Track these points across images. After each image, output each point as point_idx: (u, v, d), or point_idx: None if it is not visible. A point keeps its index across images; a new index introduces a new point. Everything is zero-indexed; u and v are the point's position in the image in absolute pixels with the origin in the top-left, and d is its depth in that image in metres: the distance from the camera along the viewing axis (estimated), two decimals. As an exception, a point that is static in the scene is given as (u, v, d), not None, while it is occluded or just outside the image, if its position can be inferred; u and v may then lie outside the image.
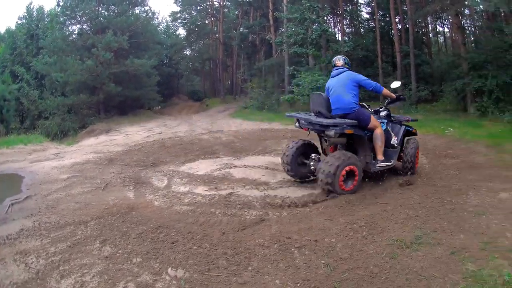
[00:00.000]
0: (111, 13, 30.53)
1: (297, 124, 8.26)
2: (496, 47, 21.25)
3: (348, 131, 7.45)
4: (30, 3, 42.36)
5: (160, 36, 42.85)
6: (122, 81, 29.21)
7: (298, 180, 8.57)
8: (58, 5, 29.80)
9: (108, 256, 5.16)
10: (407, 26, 30.23)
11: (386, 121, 8.51)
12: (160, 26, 44.78)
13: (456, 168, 9.73)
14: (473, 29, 30.34)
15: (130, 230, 5.94)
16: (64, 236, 5.87)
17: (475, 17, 30.15)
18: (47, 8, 41.58)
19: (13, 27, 38.51)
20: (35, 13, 37.34)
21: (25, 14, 37.38)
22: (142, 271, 4.74)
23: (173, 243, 5.49)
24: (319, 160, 8.01)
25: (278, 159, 9.88)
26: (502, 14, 25.42)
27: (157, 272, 4.71)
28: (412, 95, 25.81)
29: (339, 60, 8.25)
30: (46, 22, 36.76)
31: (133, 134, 18.68)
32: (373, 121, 7.77)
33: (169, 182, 9.15)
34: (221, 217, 6.48)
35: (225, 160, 11.40)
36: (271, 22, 35.47)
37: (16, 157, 13.80)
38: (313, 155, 8.11)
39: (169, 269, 4.75)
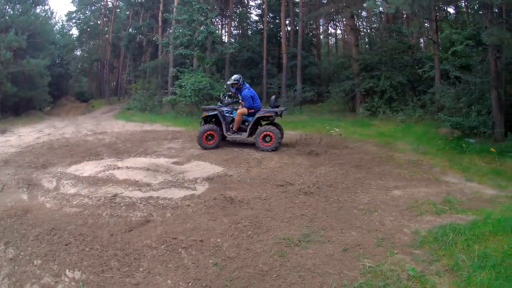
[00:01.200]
0: (16, 12, 29.35)
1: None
2: (393, 48, 22.63)
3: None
4: None
5: (55, 36, 41.63)
6: (18, 81, 28.26)
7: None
8: None
9: (12, 258, 5.46)
10: (297, 28, 31.13)
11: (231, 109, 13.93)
12: (56, 26, 43.35)
13: (342, 167, 10.59)
14: (368, 30, 31.47)
15: (28, 232, 6.31)
16: (-37, 240, 6.08)
17: (373, 19, 31.36)
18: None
19: None
20: None
21: None
22: (43, 273, 5.09)
23: (67, 245, 5.86)
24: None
25: (159, 160, 11.60)
26: (404, 16, 26.62)
27: (56, 274, 5.07)
28: (297, 96, 26.55)
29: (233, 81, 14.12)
30: None
31: (25, 135, 18.40)
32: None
33: (58, 184, 9.46)
34: (108, 218, 6.97)
35: (109, 161, 11.90)
36: (160, 23, 35.79)
37: None
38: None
39: (67, 271, 5.12)
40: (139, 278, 4.88)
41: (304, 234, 6.03)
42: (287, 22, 33.70)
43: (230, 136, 13.98)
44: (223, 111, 13.87)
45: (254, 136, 13.66)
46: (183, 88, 22.81)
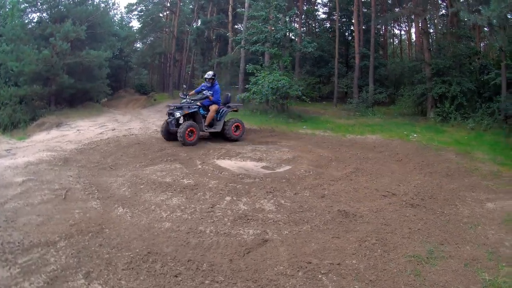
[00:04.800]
0: (71, 1, 29.16)
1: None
2: (460, 53, 21.72)
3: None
4: (-8, -10, 40.65)
5: (115, 27, 41.74)
6: (75, 72, 27.96)
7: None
8: None
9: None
10: (363, 28, 30.60)
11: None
12: (115, 18, 43.45)
13: (433, 177, 10.19)
14: (435, 34, 30.54)
15: (115, 258, 5.26)
16: (35, 265, 5.07)
17: (435, 21, 30.42)
18: (8, -4, 39.77)
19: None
20: (-5, 0, 35.91)
21: (-14, 2, 35.92)
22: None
23: (177, 276, 4.95)
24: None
25: (247, 164, 10.98)
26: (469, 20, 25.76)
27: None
28: (369, 98, 25.75)
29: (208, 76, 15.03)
30: (7, 10, 35.41)
31: (85, 129, 17.63)
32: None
33: (135, 189, 8.46)
34: (215, 237, 6.03)
35: (193, 163, 10.88)
36: (230, 18, 35.01)
37: None
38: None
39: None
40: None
41: (429, 251, 5.86)
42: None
43: (207, 131, 14.82)
44: (196, 108, 14.51)
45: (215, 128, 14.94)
46: (259, 85, 21.87)
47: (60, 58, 25.89)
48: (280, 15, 24.02)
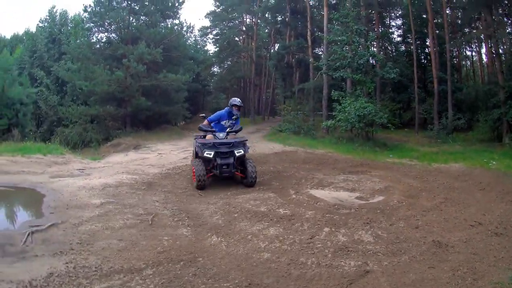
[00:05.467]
0: (142, 23, 29.74)
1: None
2: None
3: None
4: (53, 7, 41.84)
5: (192, 51, 42.32)
6: (151, 95, 28.28)
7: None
8: (85, 10, 28.69)
9: None
10: (435, 50, 29.94)
11: None
12: (189, 41, 44.03)
13: None
14: (504, 55, 29.78)
15: None
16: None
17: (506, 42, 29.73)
18: (71, 13, 40.96)
19: (33, 30, 38.36)
20: (58, 17, 37.31)
21: (47, 17, 37.33)
22: None
23: None
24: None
25: (341, 194, 10.41)
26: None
27: None
28: (449, 124, 25.36)
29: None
30: (69, 28, 36.39)
31: (166, 153, 17.63)
32: None
33: (229, 218, 8.10)
34: (316, 268, 5.70)
35: (287, 193, 10.40)
36: (309, 43, 34.58)
37: (33, 168, 12.22)
38: None
39: None
40: None
41: (510, 277, 5.58)
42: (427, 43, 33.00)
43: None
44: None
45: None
46: (346, 113, 21.56)
47: (135, 80, 26.29)
48: (362, 40, 23.92)
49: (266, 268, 5.63)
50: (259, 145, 22.17)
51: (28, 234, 6.31)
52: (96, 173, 11.93)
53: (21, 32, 42.71)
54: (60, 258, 5.60)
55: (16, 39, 43.61)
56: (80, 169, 12.68)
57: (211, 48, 53.97)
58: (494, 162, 15.65)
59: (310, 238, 6.87)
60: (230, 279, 5.17)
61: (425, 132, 26.82)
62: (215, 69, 55.54)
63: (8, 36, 44.72)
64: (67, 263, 5.42)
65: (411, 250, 6.57)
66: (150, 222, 7.50)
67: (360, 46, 23.87)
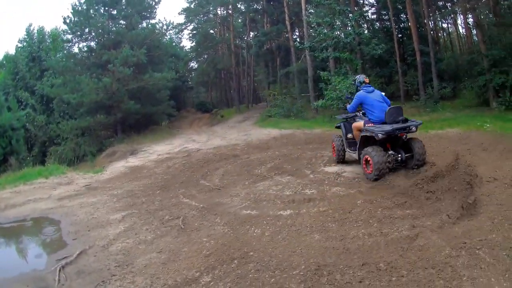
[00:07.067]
0: (123, 27, 29.57)
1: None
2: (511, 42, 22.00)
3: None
4: (30, 25, 41.39)
5: (174, 48, 42.28)
6: (137, 97, 28.17)
7: None
8: (64, 22, 28.29)
9: None
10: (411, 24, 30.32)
11: None
12: (165, 38, 43.97)
13: None
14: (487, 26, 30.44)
15: (284, 280, 4.88)
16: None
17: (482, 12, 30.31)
18: (48, 29, 40.63)
19: (12, 52, 37.91)
20: (35, 35, 36.60)
21: (25, 36, 36.66)
22: None
23: (361, 281, 4.67)
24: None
25: (356, 168, 10.36)
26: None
27: None
28: (435, 93, 25.95)
29: (367, 78, 10.65)
30: (48, 43, 36.04)
31: (164, 153, 17.58)
32: None
33: (258, 206, 8.06)
34: (369, 238, 5.87)
35: (296, 181, 10.04)
36: (288, 27, 35.08)
37: (38, 194, 11.28)
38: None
39: None
40: None
41: None
42: (402, 18, 33.74)
43: (347, 153, 11.25)
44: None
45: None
46: (337, 91, 21.93)
47: (122, 84, 26.15)
48: (347, 20, 24.28)
49: (322, 248, 5.63)
50: (254, 131, 22.46)
51: (59, 270, 5.79)
52: (103, 186, 11.83)
53: (0, 57, 41.98)
54: (104, 289, 5.22)
55: (-4, 64, 43.15)
56: (86, 185, 12.29)
57: (187, 44, 53.69)
58: (488, 125, 16.03)
59: (349, 212, 6.96)
60: (296, 266, 5.10)
61: (411, 103, 27.20)
62: (193, 64, 55.56)
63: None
64: (114, 292, 5.05)
65: (446, 208, 6.82)
66: (182, 226, 7.30)
67: (347, 27, 24.49)
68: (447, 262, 4.84)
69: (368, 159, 9.39)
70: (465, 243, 5.24)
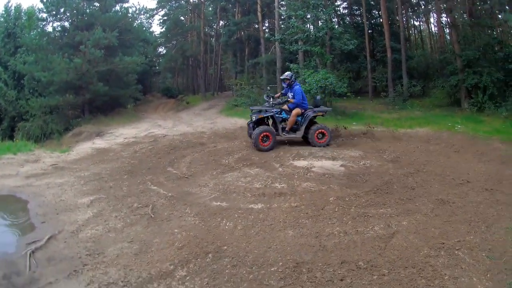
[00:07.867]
0: (97, 8, 29.01)
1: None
2: (486, 44, 22.70)
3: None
4: (8, 2, 40.71)
5: (145, 33, 41.98)
6: (106, 80, 27.74)
7: None
8: (41, 1, 27.59)
9: None
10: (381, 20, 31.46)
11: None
12: (136, 23, 43.68)
13: (491, 164, 10.70)
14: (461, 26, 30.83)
15: (263, 277, 4.94)
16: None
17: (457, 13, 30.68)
18: (25, 6, 39.89)
19: (-11, 28, 37.31)
20: (12, 12, 36.00)
21: (3, 13, 36.06)
22: None
23: (342, 280, 4.83)
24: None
25: (325, 163, 10.87)
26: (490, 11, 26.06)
27: None
28: (405, 91, 26.39)
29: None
30: (23, 20, 35.51)
31: (131, 137, 17.29)
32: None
33: (228, 198, 8.05)
34: (345, 236, 6.10)
35: (266, 171, 10.25)
36: (260, 18, 35.42)
37: (6, 170, 10.91)
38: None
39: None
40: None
41: None
42: (375, 14, 34.65)
43: (284, 136, 13.81)
44: (274, 112, 13.79)
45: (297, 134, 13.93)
46: (307, 84, 21.58)
47: (93, 66, 25.76)
48: (321, 14, 24.06)
49: (298, 245, 5.71)
50: (220, 120, 22.53)
51: (29, 255, 5.63)
52: (71, 167, 11.56)
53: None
54: (78, 279, 5.04)
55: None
56: (53, 165, 11.99)
57: (156, 29, 53.49)
58: (459, 126, 16.56)
59: (322, 209, 7.07)
60: (273, 263, 5.17)
61: (379, 100, 27.64)
62: (162, 49, 55.37)
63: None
64: (88, 284, 4.92)
65: (421, 209, 7.22)
66: (152, 216, 7.18)
67: (320, 20, 24.43)
68: (427, 262, 5.18)
69: (324, 131, 13.55)
70: (443, 243, 5.70)
